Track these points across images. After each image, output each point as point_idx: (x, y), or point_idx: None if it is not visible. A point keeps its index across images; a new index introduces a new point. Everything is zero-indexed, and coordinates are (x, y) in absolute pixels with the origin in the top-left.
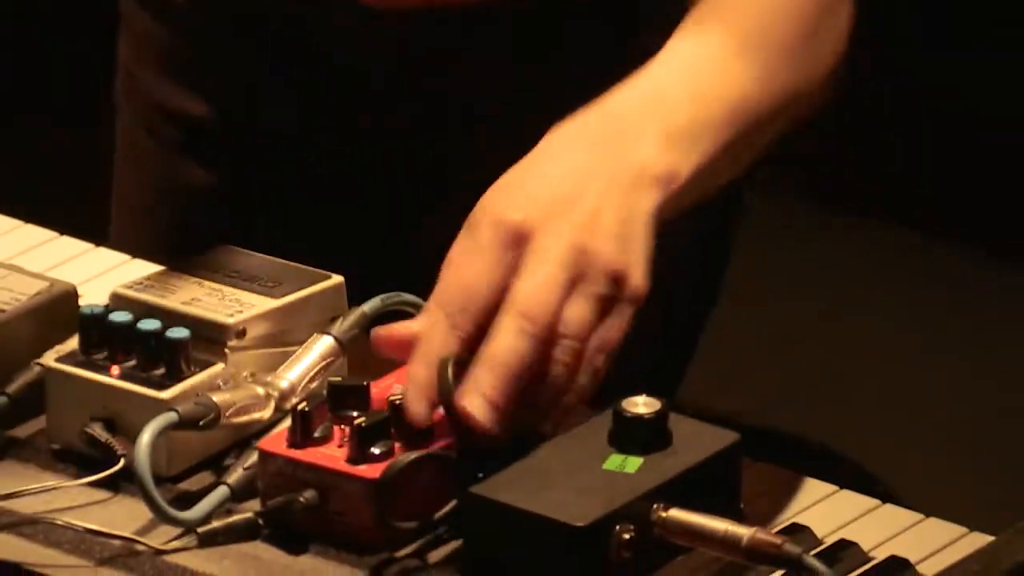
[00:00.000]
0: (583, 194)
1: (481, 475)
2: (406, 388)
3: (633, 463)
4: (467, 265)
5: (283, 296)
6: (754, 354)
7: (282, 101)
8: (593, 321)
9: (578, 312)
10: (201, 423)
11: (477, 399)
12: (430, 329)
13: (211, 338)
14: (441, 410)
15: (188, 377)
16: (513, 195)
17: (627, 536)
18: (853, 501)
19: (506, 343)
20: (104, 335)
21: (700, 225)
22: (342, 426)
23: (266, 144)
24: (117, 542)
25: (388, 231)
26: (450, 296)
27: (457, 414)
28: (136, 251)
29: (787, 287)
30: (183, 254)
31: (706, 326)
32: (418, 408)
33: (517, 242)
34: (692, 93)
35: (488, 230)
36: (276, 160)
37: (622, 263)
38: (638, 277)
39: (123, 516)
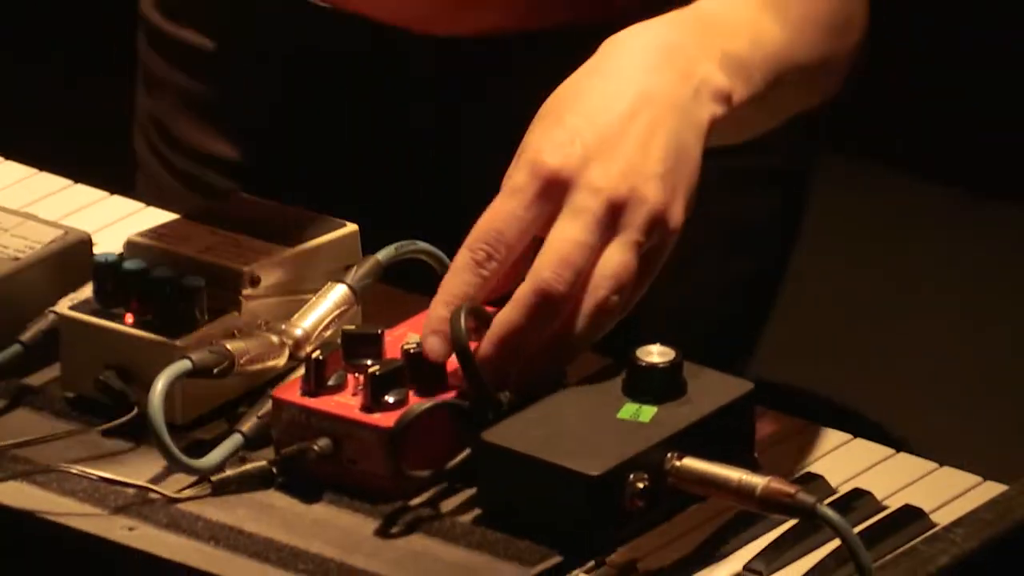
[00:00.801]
0: (633, 121)
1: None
2: (424, 328)
3: (647, 412)
4: (500, 207)
5: (297, 244)
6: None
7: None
8: (629, 267)
9: (612, 263)
10: (215, 371)
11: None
12: (456, 269)
13: (225, 286)
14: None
15: (202, 325)
16: (555, 131)
17: (641, 485)
18: (867, 450)
19: (511, 319)
20: (118, 283)
21: (775, 162)
22: (356, 374)
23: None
24: (131, 490)
25: (409, 186)
26: (480, 238)
27: (470, 364)
28: None
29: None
30: None
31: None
32: (435, 346)
33: (553, 190)
34: (746, 28)
35: (524, 173)
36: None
37: (664, 203)
38: (677, 213)
39: (137, 464)
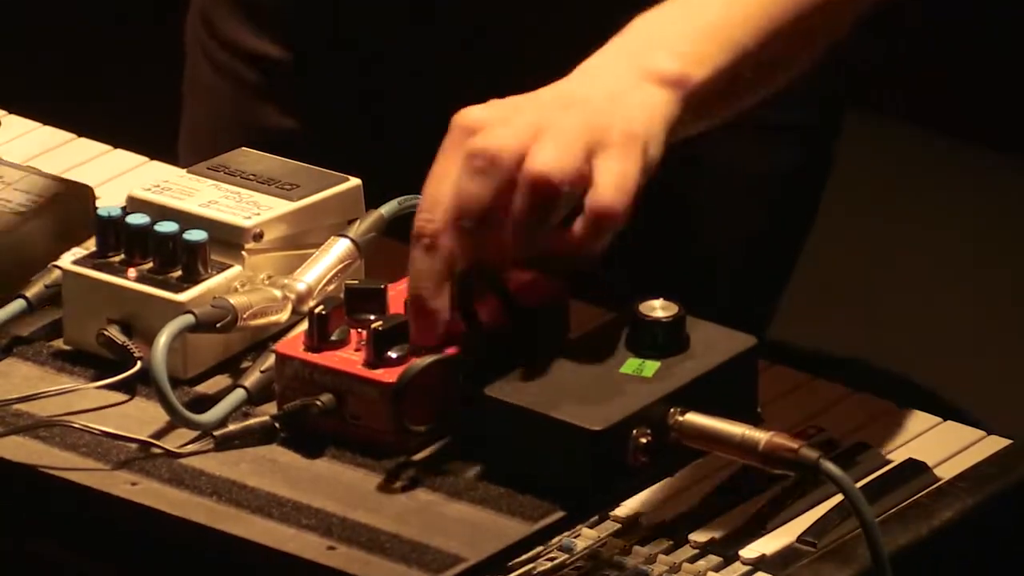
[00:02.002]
0: (593, 88)
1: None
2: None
3: (650, 367)
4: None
5: (300, 199)
6: None
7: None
8: (628, 175)
9: (613, 174)
10: (218, 325)
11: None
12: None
13: (228, 241)
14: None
15: (205, 279)
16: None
17: (644, 440)
18: (870, 405)
19: (517, 203)
20: (121, 238)
21: (798, 118)
22: (359, 329)
23: (344, 81)
24: (133, 445)
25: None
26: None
27: (473, 321)
28: None
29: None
30: None
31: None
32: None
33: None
34: None
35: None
36: (353, 97)
37: (641, 132)
38: (656, 148)
39: (139, 419)
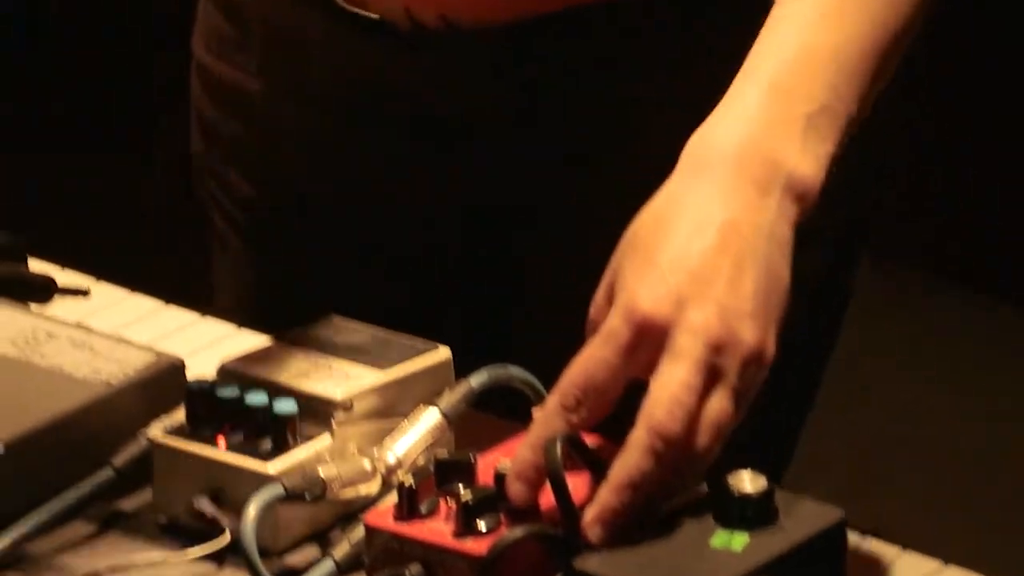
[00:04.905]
0: (721, 255)
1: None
2: (510, 472)
3: (739, 540)
4: (594, 354)
5: (390, 368)
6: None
7: (366, 171)
8: (730, 414)
9: (714, 412)
10: (308, 497)
11: (597, 528)
12: (545, 414)
13: (318, 412)
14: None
15: (294, 449)
16: (647, 274)
17: None
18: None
19: (638, 464)
20: (211, 409)
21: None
22: (448, 500)
23: (351, 221)
24: None
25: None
26: (572, 383)
27: (563, 493)
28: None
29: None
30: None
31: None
32: (520, 492)
33: (649, 335)
34: (833, 45)
35: (619, 318)
36: (366, 233)
37: (760, 342)
38: (771, 348)
39: None
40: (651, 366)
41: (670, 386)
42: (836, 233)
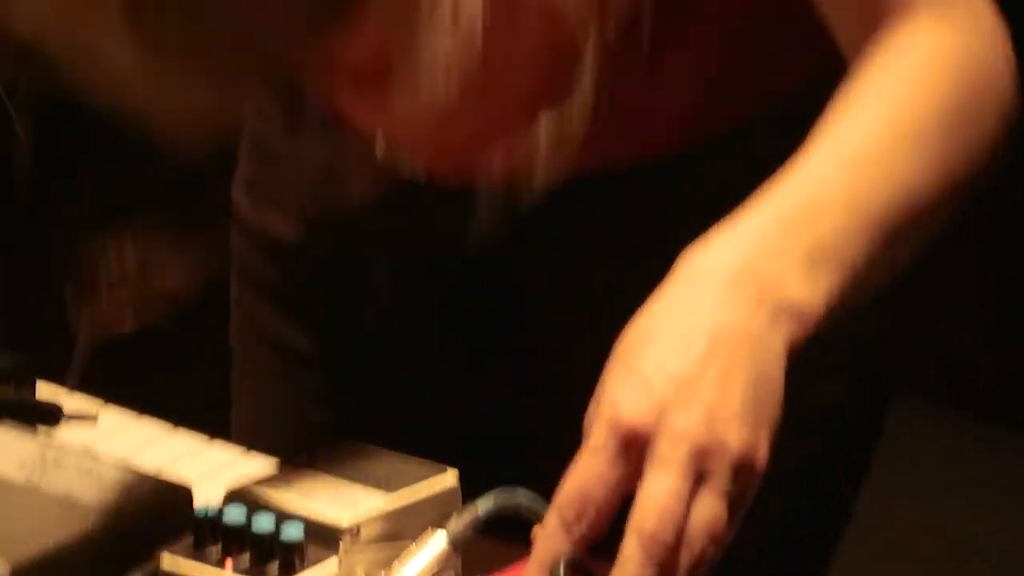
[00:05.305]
0: (708, 364)
1: None
2: None
3: None
4: (585, 468)
5: (398, 492)
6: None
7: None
8: (721, 518)
9: (704, 516)
10: None
11: None
12: (545, 535)
13: (326, 536)
14: None
15: (301, 575)
16: (629, 381)
17: None
18: None
19: (635, 572)
20: (218, 535)
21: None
22: None
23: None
24: None
25: (499, 415)
26: (568, 499)
27: None
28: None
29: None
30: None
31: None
32: None
33: (634, 444)
34: (847, 195)
35: (603, 430)
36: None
37: (749, 446)
38: (762, 453)
39: None
40: (641, 475)
41: (657, 495)
42: (864, 368)
